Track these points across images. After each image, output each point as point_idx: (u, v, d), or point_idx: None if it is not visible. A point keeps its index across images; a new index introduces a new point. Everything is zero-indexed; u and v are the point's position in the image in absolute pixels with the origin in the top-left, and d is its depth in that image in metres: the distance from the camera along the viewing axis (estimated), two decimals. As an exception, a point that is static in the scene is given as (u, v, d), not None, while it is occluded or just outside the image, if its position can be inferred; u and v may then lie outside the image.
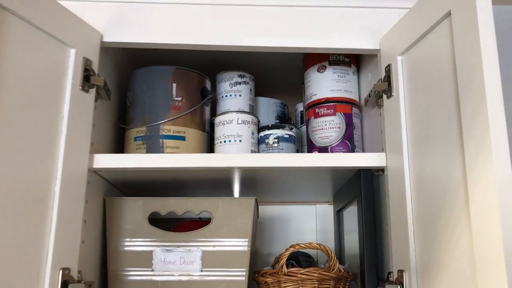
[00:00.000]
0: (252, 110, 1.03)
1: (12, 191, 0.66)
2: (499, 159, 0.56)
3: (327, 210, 1.24)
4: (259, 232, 1.23)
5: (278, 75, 1.18)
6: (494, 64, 0.59)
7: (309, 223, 1.24)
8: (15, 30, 0.69)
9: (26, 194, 0.68)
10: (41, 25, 0.73)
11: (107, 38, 0.85)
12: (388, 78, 0.83)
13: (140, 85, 0.95)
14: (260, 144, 0.97)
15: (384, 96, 0.84)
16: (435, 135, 0.69)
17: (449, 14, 0.67)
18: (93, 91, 0.82)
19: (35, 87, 0.71)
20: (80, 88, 0.79)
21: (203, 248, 0.88)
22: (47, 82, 0.74)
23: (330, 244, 1.19)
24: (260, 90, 1.20)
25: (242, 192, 1.10)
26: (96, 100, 0.83)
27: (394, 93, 0.81)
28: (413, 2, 0.90)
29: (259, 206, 1.24)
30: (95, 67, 0.83)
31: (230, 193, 1.11)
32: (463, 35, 0.63)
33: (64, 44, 0.77)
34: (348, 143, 0.94)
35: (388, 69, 0.83)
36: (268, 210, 1.24)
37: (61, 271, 0.72)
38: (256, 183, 1.02)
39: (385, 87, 0.83)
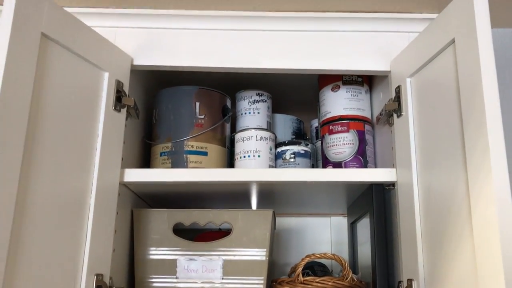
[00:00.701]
0: (270, 127, 1.09)
1: (54, 202, 0.73)
2: (498, 176, 0.61)
3: (341, 222, 1.29)
4: (276, 242, 1.28)
5: (294, 93, 1.24)
6: (493, 87, 0.65)
7: (324, 235, 1.29)
8: (58, 57, 0.76)
9: (66, 205, 0.75)
10: (79, 52, 0.80)
11: (137, 62, 0.92)
12: (398, 98, 0.88)
13: (166, 103, 1.02)
14: (277, 159, 1.03)
15: (395, 115, 0.90)
16: (442, 152, 0.75)
17: (453, 41, 0.72)
18: (124, 110, 0.89)
19: (73, 108, 0.79)
20: (113, 108, 0.86)
21: (224, 257, 0.93)
22: (83, 103, 0.81)
23: (344, 254, 1.24)
24: (277, 107, 1.26)
25: (260, 205, 1.16)
26: (126, 118, 0.90)
27: (403, 113, 0.86)
28: (422, 26, 0.96)
29: (276, 218, 1.29)
30: (126, 88, 0.90)
31: (248, 205, 1.17)
32: (465, 60, 0.69)
33: (99, 68, 0.84)
34: (361, 158, 0.99)
35: (398, 90, 0.88)
36: (285, 221, 1.29)
37: (95, 277, 0.78)
38: (274, 196, 1.07)
39: (395, 106, 0.89)
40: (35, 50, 0.71)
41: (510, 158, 0.98)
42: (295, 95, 1.25)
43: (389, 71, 0.93)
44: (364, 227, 1.03)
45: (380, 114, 0.96)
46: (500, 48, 1.18)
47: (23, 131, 0.68)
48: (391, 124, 0.92)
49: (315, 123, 1.21)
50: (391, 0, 0.94)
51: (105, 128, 0.84)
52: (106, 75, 0.86)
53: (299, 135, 1.18)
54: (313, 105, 1.26)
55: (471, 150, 0.66)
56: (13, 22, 0.68)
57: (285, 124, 1.17)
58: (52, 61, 0.75)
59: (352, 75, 1.04)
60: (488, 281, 0.60)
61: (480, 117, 0.64)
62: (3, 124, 0.65)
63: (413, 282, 0.78)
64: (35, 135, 0.71)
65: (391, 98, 0.91)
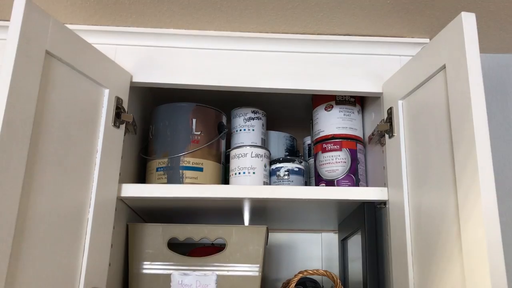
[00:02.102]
0: (264, 143, 1.11)
1: (54, 216, 0.74)
2: (487, 199, 0.64)
3: (332, 239, 1.31)
4: (267, 258, 1.29)
5: (287, 111, 1.27)
6: (482, 111, 0.68)
7: (315, 251, 1.30)
8: (60, 74, 0.78)
9: (65, 219, 0.76)
10: (81, 69, 0.82)
11: (136, 79, 0.94)
12: (390, 119, 0.91)
13: (163, 120, 1.04)
14: (271, 176, 1.05)
15: (386, 136, 0.92)
16: (432, 173, 0.77)
17: (444, 67, 0.76)
18: (123, 126, 0.91)
19: (74, 123, 0.80)
20: (112, 124, 0.88)
21: (217, 273, 0.95)
22: (84, 119, 0.82)
23: (335, 270, 1.26)
24: (271, 124, 1.29)
25: (253, 220, 1.18)
26: (124, 134, 0.92)
27: (395, 134, 0.89)
28: (414, 50, 1.00)
29: (268, 233, 1.31)
30: (125, 104, 0.92)
31: (241, 220, 1.18)
32: (455, 85, 0.72)
33: (99, 85, 0.86)
34: (353, 176, 1.02)
35: (390, 112, 0.91)
36: (276, 237, 1.31)
37: (91, 291, 0.79)
38: (266, 212, 1.09)
39: (387, 127, 0.92)
40: (40, 67, 0.73)
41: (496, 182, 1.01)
42: (288, 113, 1.28)
43: (381, 93, 0.97)
44: (355, 244, 1.05)
45: (372, 134, 0.98)
46: (488, 72, 1.22)
47: (26, 146, 0.69)
48: (383, 144, 0.95)
49: (308, 140, 1.23)
50: (384, 25, 0.97)
51: (104, 143, 0.85)
52: (107, 91, 0.87)
53: (292, 152, 1.20)
54: (306, 123, 1.29)
55: (461, 172, 0.69)
56: (19, 39, 0.70)
57: (278, 141, 1.20)
58: (55, 78, 0.77)
59: (345, 95, 1.07)
60: (477, 299, 0.63)
61: (470, 140, 0.67)
62: (7, 139, 0.66)
63: (403, 299, 0.81)
64: (37, 149, 0.72)
65: (383, 119, 0.94)
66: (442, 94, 0.76)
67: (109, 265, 0.85)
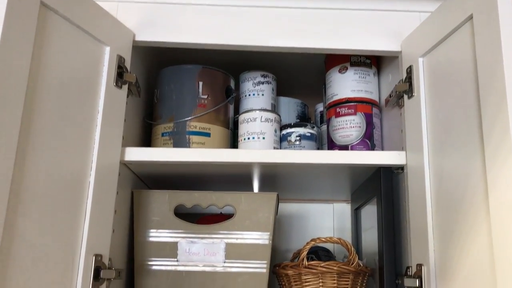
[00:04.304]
0: (274, 109, 1.06)
1: (52, 181, 0.70)
2: (518, 156, 0.58)
3: (345, 209, 1.27)
4: (277, 228, 1.26)
5: (299, 76, 1.21)
6: (514, 65, 0.62)
7: (326, 221, 1.26)
8: (57, 28, 0.73)
9: (65, 183, 0.72)
10: (80, 23, 0.77)
11: (139, 37, 0.89)
12: (409, 79, 0.85)
13: (168, 83, 0.99)
14: (282, 141, 1.00)
15: (405, 97, 0.87)
16: (456, 134, 0.72)
17: (471, 17, 0.69)
18: (125, 87, 0.86)
19: (73, 82, 0.75)
20: (114, 84, 0.83)
21: (226, 241, 0.91)
22: (83, 78, 0.78)
23: (347, 241, 1.22)
24: (281, 90, 1.23)
25: (262, 189, 1.14)
26: (127, 96, 0.87)
27: (415, 94, 0.83)
28: (434, 6, 0.93)
29: (279, 203, 1.27)
30: (127, 64, 0.87)
31: (250, 189, 1.14)
32: (484, 37, 0.66)
33: (100, 42, 0.81)
34: (368, 142, 0.96)
35: (409, 70, 0.86)
36: (287, 207, 1.27)
37: (94, 257, 0.75)
38: (276, 180, 1.05)
39: (406, 87, 0.86)
40: (34, 19, 0.68)
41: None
42: (300, 78, 1.22)
43: (400, 52, 0.90)
44: (369, 213, 1.01)
45: (390, 96, 0.93)
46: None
47: (20, 107, 0.65)
48: (401, 106, 0.89)
49: (320, 108, 1.18)
50: (404, -22, 0.91)
51: (105, 104, 0.81)
52: (107, 49, 0.82)
53: (304, 119, 1.15)
54: (318, 89, 1.23)
55: (489, 130, 0.63)
56: (11, -12, 0.64)
57: (289, 107, 1.15)
58: (51, 32, 0.72)
59: (360, 56, 1.01)
60: (507, 266, 0.58)
61: (500, 94, 0.62)
62: (-1, 94, 0.62)
63: (422, 267, 0.76)
64: (32, 110, 0.68)
65: (402, 79, 0.88)
66: (468, 47, 0.70)
67: (113, 231, 0.82)
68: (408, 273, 0.80)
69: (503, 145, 0.60)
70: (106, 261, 0.78)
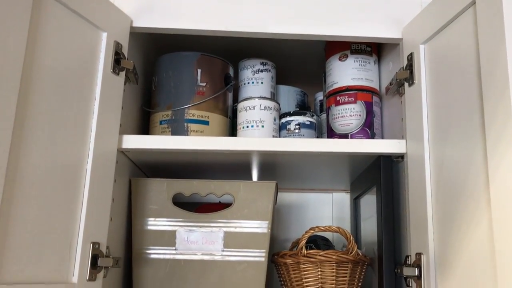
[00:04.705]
0: (273, 97, 1.05)
1: (48, 168, 0.69)
2: (520, 143, 0.57)
3: (344, 198, 1.26)
4: (276, 218, 1.25)
5: (298, 64, 1.20)
6: (517, 52, 0.61)
7: (325, 211, 1.26)
8: (52, 12, 0.72)
9: (61, 171, 0.71)
10: (76, 8, 0.75)
11: (137, 23, 0.88)
12: (410, 66, 0.84)
13: (166, 70, 0.98)
14: (281, 130, 1.00)
15: (406, 84, 0.86)
16: (457, 122, 0.71)
17: (473, 3, 0.68)
18: (123, 74, 0.85)
19: (69, 68, 0.74)
20: (111, 70, 0.82)
21: (224, 229, 0.90)
22: (80, 64, 0.77)
23: (346, 231, 1.22)
24: (280, 78, 1.22)
25: (261, 178, 1.13)
26: (125, 83, 0.86)
27: (416, 81, 0.82)
28: (436, -7, 0.91)
29: (278, 192, 1.26)
30: (125, 51, 0.85)
31: (249, 178, 1.13)
32: (487, 24, 0.65)
33: (96, 28, 0.80)
34: (368, 130, 0.96)
35: (410, 58, 0.84)
36: (286, 197, 1.26)
37: (91, 245, 0.75)
38: (275, 169, 1.04)
39: (407, 75, 0.85)
40: (29, 2, 0.66)
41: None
42: (299, 66, 1.21)
43: (401, 39, 0.89)
44: (369, 202, 1.00)
45: (390, 83, 0.92)
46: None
47: (15, 94, 0.64)
48: (401, 93, 0.88)
49: (320, 96, 1.17)
50: (405, -36, 0.89)
51: (103, 91, 0.79)
52: (104, 35, 0.81)
53: (303, 108, 1.14)
54: (317, 78, 1.22)
55: (491, 119, 0.62)
56: (5, -29, 0.63)
57: (289, 95, 1.13)
58: (47, 17, 0.70)
59: (360, 44, 0.99)
60: (507, 254, 0.57)
61: (503, 81, 0.61)
62: (-6, 79, 0.61)
63: (422, 255, 0.76)
64: (28, 96, 0.67)
65: (403, 67, 0.87)
66: (470, 33, 0.69)
67: (111, 219, 0.81)
68: (407, 262, 0.80)
69: (505, 133, 0.59)
70: (103, 249, 0.77)
